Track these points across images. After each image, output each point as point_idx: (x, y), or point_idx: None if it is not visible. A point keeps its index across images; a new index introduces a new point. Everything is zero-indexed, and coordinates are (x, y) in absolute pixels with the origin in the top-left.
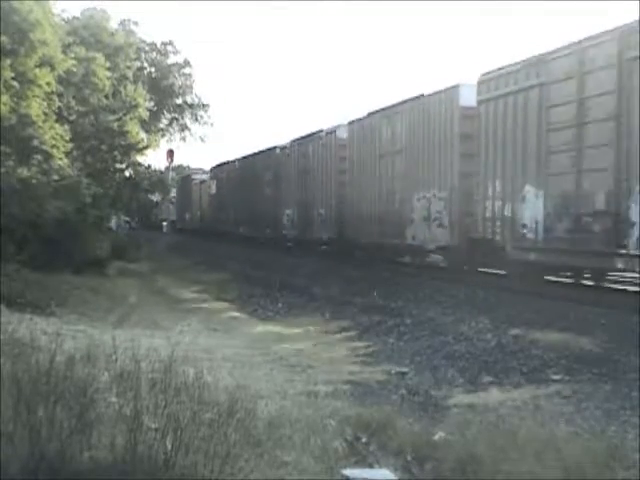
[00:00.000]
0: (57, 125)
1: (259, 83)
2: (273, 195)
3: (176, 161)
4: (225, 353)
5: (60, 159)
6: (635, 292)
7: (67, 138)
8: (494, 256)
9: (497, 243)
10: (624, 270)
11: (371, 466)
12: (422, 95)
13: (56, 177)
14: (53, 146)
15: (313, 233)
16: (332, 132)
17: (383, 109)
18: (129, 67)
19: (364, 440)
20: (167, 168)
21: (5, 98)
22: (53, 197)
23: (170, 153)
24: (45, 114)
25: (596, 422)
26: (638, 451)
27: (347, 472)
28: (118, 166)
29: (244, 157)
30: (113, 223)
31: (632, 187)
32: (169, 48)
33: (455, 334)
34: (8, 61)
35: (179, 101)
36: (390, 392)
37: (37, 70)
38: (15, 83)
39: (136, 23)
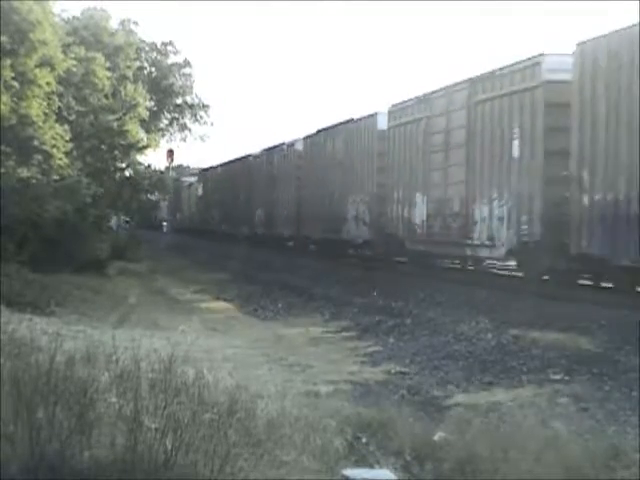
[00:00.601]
0: (57, 125)
1: (259, 83)
2: (247, 197)
3: (176, 161)
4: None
5: (60, 159)
6: (496, 274)
7: (67, 138)
8: (399, 248)
9: (400, 237)
10: (476, 256)
11: (371, 466)
12: (353, 119)
13: (56, 177)
14: (53, 146)
15: (278, 230)
16: (292, 145)
17: (326, 128)
18: (129, 67)
19: (364, 440)
20: (167, 168)
21: (5, 98)
22: (53, 197)
23: (170, 153)
24: (45, 114)
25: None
26: (638, 451)
27: (347, 472)
28: (118, 166)
29: (225, 163)
30: (113, 223)
31: (476, 196)
32: (169, 48)
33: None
34: (8, 61)
35: (179, 101)
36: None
37: (37, 70)
38: (15, 83)
39: (136, 23)
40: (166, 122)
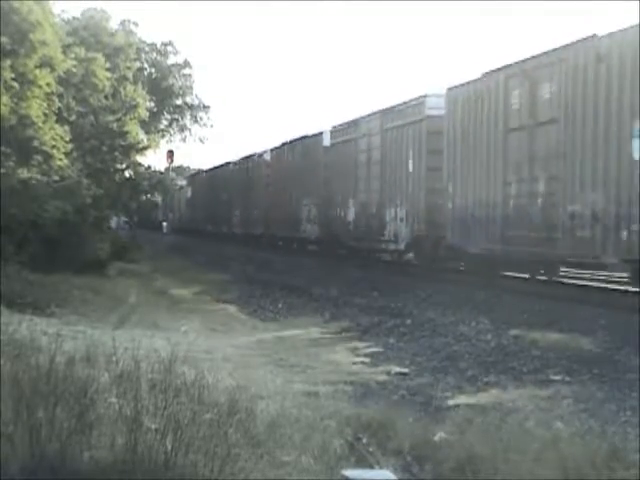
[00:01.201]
0: (57, 126)
1: (259, 84)
2: (227, 200)
3: (176, 162)
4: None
5: (60, 160)
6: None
7: (67, 139)
8: (340, 244)
9: (339, 235)
10: (386, 250)
11: (371, 466)
12: (306, 135)
13: (56, 177)
14: (53, 147)
15: (251, 229)
16: (261, 155)
17: (288, 142)
18: (129, 67)
19: (364, 440)
20: (167, 169)
21: (5, 99)
22: (53, 197)
23: (170, 154)
24: (45, 115)
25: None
26: (638, 451)
27: (347, 472)
28: (118, 167)
29: (210, 169)
30: (113, 223)
31: (386, 202)
32: (169, 48)
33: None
34: (8, 61)
35: (179, 102)
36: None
37: (37, 71)
38: (15, 84)
39: (136, 23)
40: (166, 123)
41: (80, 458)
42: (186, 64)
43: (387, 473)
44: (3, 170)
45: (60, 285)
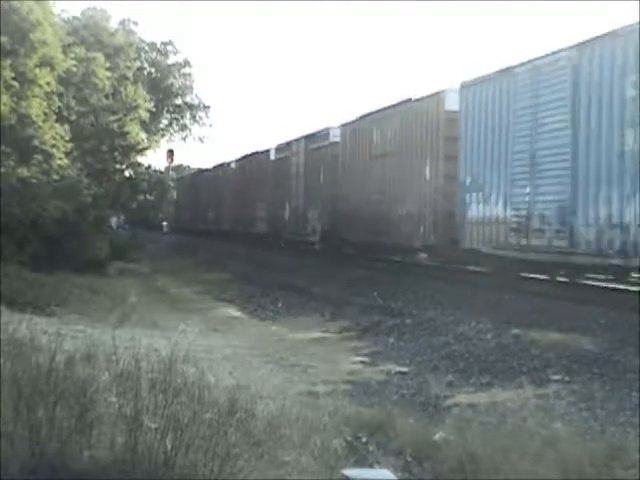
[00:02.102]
0: (57, 125)
1: (259, 84)
2: (204, 201)
3: (176, 161)
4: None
5: (60, 159)
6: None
7: (67, 138)
8: (280, 237)
9: (280, 231)
10: (307, 241)
11: (371, 466)
12: (258, 151)
13: (56, 177)
14: (53, 146)
15: (222, 226)
16: (229, 164)
17: (244, 156)
18: (129, 67)
19: (364, 440)
20: (167, 168)
21: (5, 98)
22: (53, 197)
23: (170, 153)
24: (45, 114)
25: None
26: (638, 451)
27: (347, 472)
28: (118, 166)
29: (192, 174)
30: (113, 223)
31: (307, 205)
32: (169, 48)
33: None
34: (8, 61)
35: (179, 101)
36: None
37: (37, 70)
38: (15, 83)
39: (136, 23)
40: (166, 122)
41: (80, 458)
42: (186, 63)
43: (387, 473)
44: (3, 169)
45: (60, 284)
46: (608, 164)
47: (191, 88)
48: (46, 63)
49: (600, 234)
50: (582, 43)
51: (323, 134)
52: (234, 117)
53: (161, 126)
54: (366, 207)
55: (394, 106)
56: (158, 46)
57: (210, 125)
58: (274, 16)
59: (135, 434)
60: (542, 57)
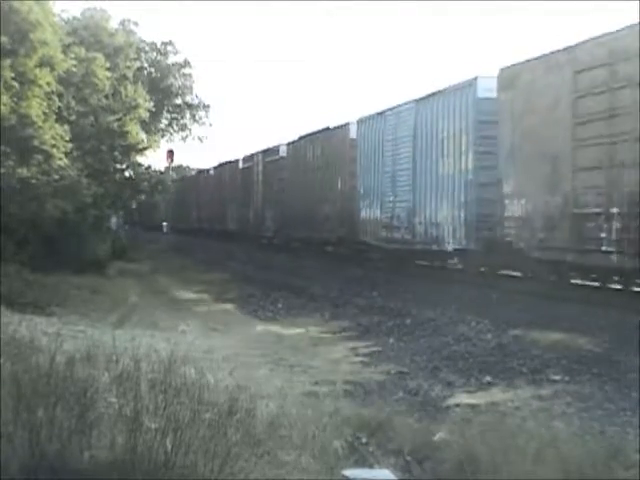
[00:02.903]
0: (57, 125)
1: (259, 84)
2: (189, 203)
3: (176, 161)
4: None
5: (60, 159)
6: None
7: (67, 138)
8: (247, 235)
9: (247, 229)
10: (265, 237)
11: (371, 466)
12: (230, 160)
13: (56, 177)
14: (53, 146)
15: (204, 224)
16: (209, 171)
17: (221, 164)
18: (129, 67)
19: (364, 440)
20: (167, 168)
21: (5, 98)
22: (53, 197)
23: (170, 153)
24: (45, 114)
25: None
26: (638, 451)
27: (347, 472)
28: (118, 166)
29: (182, 178)
30: (113, 223)
31: (265, 207)
32: (169, 48)
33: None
34: (8, 61)
35: (179, 101)
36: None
37: (37, 70)
38: (15, 83)
39: (136, 23)
40: (166, 122)
41: (80, 458)
42: (186, 63)
43: (387, 473)
44: (3, 169)
45: (60, 285)
46: (430, 182)
47: (191, 88)
48: (46, 63)
49: (426, 229)
50: (421, 98)
51: (275, 149)
52: (234, 117)
53: (161, 126)
54: (302, 209)
55: (320, 132)
56: (158, 46)
57: (210, 125)
58: (274, 16)
59: (135, 434)
60: (400, 105)
